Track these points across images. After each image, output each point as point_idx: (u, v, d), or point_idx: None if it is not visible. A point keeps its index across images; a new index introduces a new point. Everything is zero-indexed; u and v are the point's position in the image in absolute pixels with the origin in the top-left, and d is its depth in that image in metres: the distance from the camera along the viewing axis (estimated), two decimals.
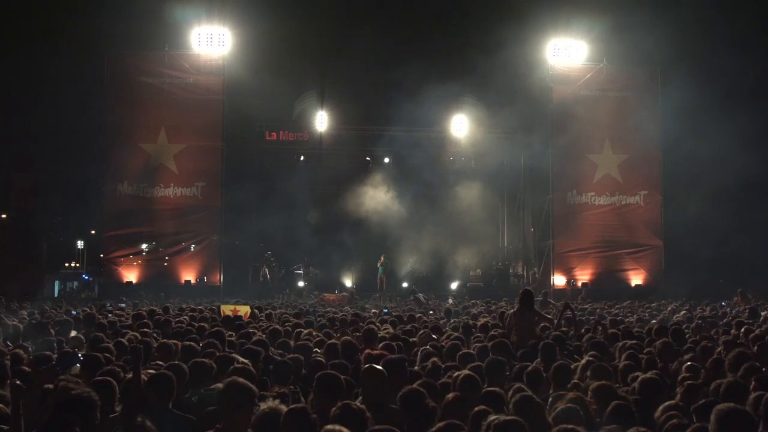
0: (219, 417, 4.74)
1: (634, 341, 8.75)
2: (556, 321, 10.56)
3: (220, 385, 4.85)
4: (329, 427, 3.83)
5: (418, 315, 13.86)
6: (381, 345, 8.19)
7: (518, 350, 8.60)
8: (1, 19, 26.23)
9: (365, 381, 5.51)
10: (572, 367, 6.84)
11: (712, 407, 4.18)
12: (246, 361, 6.48)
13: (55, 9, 25.76)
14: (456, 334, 9.75)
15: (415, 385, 5.24)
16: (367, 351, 7.52)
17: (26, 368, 6.48)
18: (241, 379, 4.62)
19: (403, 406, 4.66)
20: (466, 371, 6.02)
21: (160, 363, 6.90)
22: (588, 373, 6.36)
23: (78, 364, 6.39)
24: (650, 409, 5.22)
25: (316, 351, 8.15)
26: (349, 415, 4.23)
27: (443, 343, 8.72)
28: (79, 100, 26.56)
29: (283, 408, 4.25)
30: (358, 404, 4.47)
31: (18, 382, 4.57)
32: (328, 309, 17.38)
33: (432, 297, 23.11)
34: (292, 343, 8.84)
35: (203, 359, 6.59)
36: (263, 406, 4.32)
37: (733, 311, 16.39)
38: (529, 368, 6.60)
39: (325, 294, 25.07)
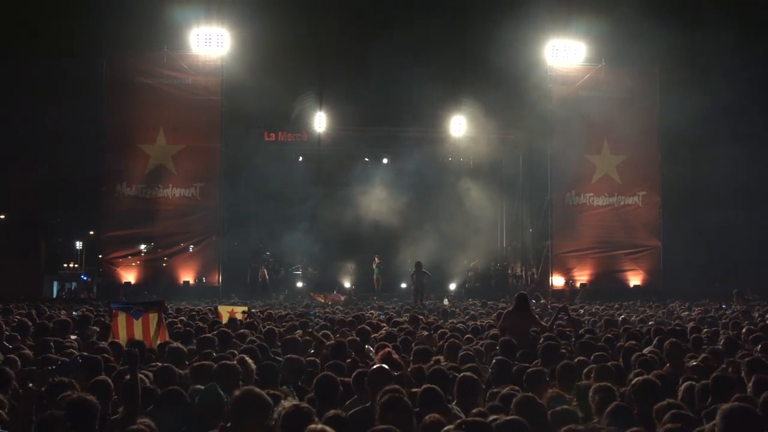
0: (220, 417, 4.76)
1: (633, 341, 8.76)
2: (549, 323, 10.66)
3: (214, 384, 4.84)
4: (312, 426, 3.85)
5: (420, 316, 13.85)
6: (377, 346, 8.20)
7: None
8: (0, 20, 26.24)
9: (372, 382, 5.48)
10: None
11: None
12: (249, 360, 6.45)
13: (54, 10, 25.78)
14: (451, 333, 9.81)
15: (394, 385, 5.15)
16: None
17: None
18: (257, 389, 4.57)
19: (382, 406, 4.63)
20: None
21: (157, 364, 6.89)
22: (591, 374, 6.37)
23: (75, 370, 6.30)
24: (650, 410, 5.21)
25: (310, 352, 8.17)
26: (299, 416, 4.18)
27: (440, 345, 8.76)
28: (78, 100, 26.54)
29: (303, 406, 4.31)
30: (307, 405, 4.44)
31: (31, 385, 4.52)
32: (326, 310, 17.35)
33: (431, 297, 23.08)
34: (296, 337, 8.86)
35: (204, 361, 6.57)
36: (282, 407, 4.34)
37: (729, 312, 16.37)
38: (530, 369, 6.60)
39: (313, 293, 23.99)
